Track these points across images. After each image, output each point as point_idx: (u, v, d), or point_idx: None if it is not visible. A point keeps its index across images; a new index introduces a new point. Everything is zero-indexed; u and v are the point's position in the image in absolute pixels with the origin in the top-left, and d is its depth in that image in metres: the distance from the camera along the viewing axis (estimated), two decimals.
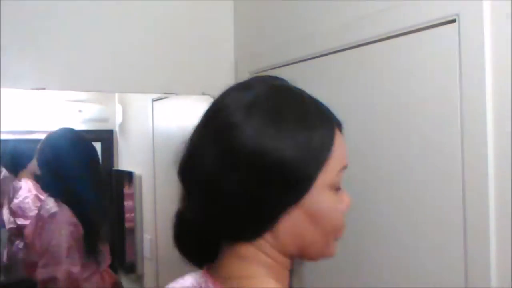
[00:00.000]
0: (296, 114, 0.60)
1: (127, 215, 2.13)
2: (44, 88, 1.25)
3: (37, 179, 1.85)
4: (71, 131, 1.74)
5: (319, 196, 0.60)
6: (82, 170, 1.70)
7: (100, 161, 1.94)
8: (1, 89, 1.21)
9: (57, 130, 1.70)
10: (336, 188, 0.62)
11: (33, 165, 1.75)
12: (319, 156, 0.59)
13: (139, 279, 2.08)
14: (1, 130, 1.63)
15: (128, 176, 2.08)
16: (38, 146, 1.68)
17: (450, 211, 0.86)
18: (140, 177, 2.04)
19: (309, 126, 0.60)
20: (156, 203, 1.93)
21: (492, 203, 0.79)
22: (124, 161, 2.18)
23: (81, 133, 1.80)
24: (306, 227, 0.61)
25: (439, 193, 0.89)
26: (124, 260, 2.15)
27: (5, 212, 1.87)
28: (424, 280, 0.90)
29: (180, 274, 0.73)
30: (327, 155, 0.60)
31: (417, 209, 0.93)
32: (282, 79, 0.69)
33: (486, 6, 0.80)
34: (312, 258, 0.65)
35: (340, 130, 0.65)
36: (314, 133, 0.60)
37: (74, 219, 1.61)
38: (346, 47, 1.08)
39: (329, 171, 0.60)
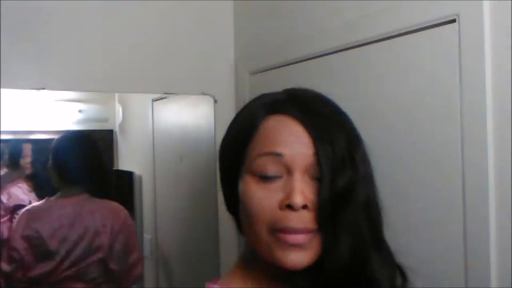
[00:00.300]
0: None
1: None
2: (44, 88, 1.25)
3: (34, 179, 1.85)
4: (84, 134, 1.75)
5: (242, 182, 0.61)
6: (89, 176, 1.70)
7: (106, 167, 1.94)
8: (1, 89, 1.21)
9: (71, 132, 1.72)
10: (260, 176, 0.59)
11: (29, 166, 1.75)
12: (237, 144, 0.63)
13: (139, 279, 2.07)
14: (1, 130, 1.63)
15: (128, 176, 2.07)
16: (52, 146, 1.69)
17: (450, 211, 0.86)
18: (140, 177, 2.03)
19: (234, 119, 0.67)
20: (156, 203, 1.93)
21: (492, 203, 0.79)
22: (124, 161, 2.18)
23: (94, 138, 1.81)
24: (244, 220, 0.63)
25: (439, 193, 0.89)
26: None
27: None
28: (424, 280, 0.90)
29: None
30: (243, 143, 0.62)
31: (417, 209, 0.93)
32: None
33: (486, 6, 0.80)
34: (265, 256, 0.60)
35: (282, 112, 0.61)
36: (232, 128, 0.66)
37: None
38: (346, 47, 1.08)
39: (249, 159, 0.61)
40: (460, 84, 0.83)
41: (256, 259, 0.64)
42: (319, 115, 0.61)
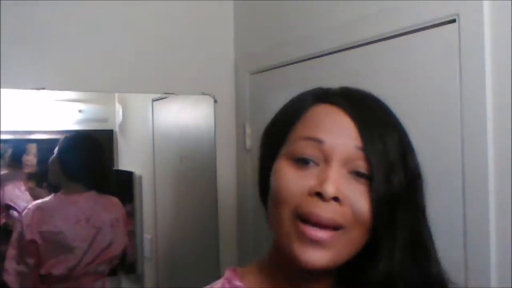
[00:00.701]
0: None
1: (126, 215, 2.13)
2: (44, 88, 1.25)
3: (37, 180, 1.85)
4: (89, 134, 1.77)
5: (277, 167, 0.58)
6: (93, 174, 1.72)
7: (111, 165, 1.95)
8: (1, 89, 1.21)
9: (80, 132, 1.73)
10: (296, 159, 0.55)
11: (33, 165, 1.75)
12: (280, 127, 0.61)
13: (139, 279, 2.07)
14: (1, 130, 1.63)
15: (128, 176, 2.07)
16: (58, 146, 1.70)
17: (450, 211, 0.86)
18: (140, 177, 2.03)
19: (283, 106, 0.64)
20: (156, 203, 1.93)
21: (492, 203, 0.79)
22: (124, 161, 2.18)
23: (98, 139, 1.82)
24: (270, 207, 0.58)
25: (439, 193, 0.89)
26: (124, 260, 2.14)
27: None
28: None
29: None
30: (287, 127, 0.59)
31: None
32: None
33: (486, 6, 0.80)
34: (284, 250, 0.55)
35: (331, 102, 0.59)
36: (279, 112, 0.64)
37: None
38: (346, 47, 1.07)
39: (289, 141, 0.58)
40: (460, 84, 0.83)
41: (278, 259, 0.61)
42: (371, 112, 0.58)
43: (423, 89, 0.91)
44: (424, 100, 0.91)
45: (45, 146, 1.78)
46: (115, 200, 1.77)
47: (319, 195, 0.52)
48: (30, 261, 1.53)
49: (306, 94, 0.63)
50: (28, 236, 1.51)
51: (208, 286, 0.63)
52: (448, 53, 0.85)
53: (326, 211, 0.52)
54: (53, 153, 1.70)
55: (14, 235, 1.54)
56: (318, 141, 0.55)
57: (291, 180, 0.55)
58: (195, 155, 1.68)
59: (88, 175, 1.70)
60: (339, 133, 0.55)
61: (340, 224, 0.53)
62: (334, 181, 0.53)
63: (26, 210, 1.57)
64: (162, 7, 1.42)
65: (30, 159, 1.79)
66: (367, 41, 1.02)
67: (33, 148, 1.78)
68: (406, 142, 0.59)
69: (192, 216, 1.69)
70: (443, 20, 0.86)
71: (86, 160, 1.72)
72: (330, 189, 0.52)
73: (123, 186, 2.12)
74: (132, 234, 1.97)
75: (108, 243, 1.66)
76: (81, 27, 1.30)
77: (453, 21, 0.84)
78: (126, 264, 2.09)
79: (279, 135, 0.60)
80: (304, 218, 0.53)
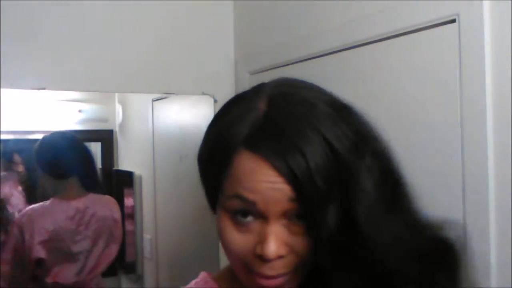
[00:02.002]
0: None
1: (126, 215, 2.13)
2: (44, 88, 1.25)
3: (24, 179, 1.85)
4: (64, 132, 1.76)
5: (218, 214, 0.58)
6: (80, 167, 1.72)
7: (95, 162, 1.94)
8: (1, 89, 1.21)
9: (52, 133, 1.73)
10: (233, 213, 0.55)
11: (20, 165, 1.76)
12: (212, 178, 0.59)
13: (139, 279, 2.07)
14: (1, 130, 1.63)
15: (128, 176, 2.07)
16: (34, 147, 1.70)
17: (450, 211, 0.86)
18: (140, 177, 2.03)
19: (211, 130, 0.61)
20: (156, 203, 1.93)
21: (492, 203, 0.79)
22: (124, 161, 2.18)
23: (74, 135, 1.82)
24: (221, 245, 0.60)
25: (439, 193, 0.89)
26: (124, 260, 2.14)
27: None
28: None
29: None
30: (219, 171, 0.56)
31: None
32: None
33: (486, 6, 0.80)
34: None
35: (255, 151, 0.53)
36: (209, 140, 0.60)
37: None
38: (346, 47, 1.07)
39: (223, 192, 0.56)
40: (460, 84, 0.83)
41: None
42: (299, 146, 0.52)
43: (423, 89, 0.91)
44: (424, 100, 0.91)
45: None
46: (111, 199, 1.77)
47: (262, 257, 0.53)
48: (29, 269, 1.52)
49: (231, 133, 0.56)
50: (30, 248, 1.50)
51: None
52: (448, 53, 0.85)
53: (271, 270, 0.54)
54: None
55: (11, 240, 1.52)
56: (250, 202, 0.53)
57: (235, 241, 0.55)
58: (195, 155, 1.68)
59: (76, 170, 1.69)
60: (269, 191, 0.53)
61: (289, 271, 0.55)
62: (274, 240, 0.53)
63: (25, 216, 1.56)
64: (162, 7, 1.42)
65: (19, 159, 1.80)
66: (367, 41, 1.02)
67: (25, 148, 1.78)
68: (336, 146, 0.54)
69: (192, 216, 1.69)
70: (443, 20, 0.86)
71: (69, 156, 1.71)
72: (270, 252, 0.52)
73: (123, 186, 2.12)
74: (132, 233, 1.98)
75: (108, 245, 1.66)
76: (81, 27, 1.30)
77: (453, 21, 0.84)
78: (126, 264, 2.09)
79: (212, 179, 0.59)
80: (255, 273, 0.55)
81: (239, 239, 0.55)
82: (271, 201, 0.53)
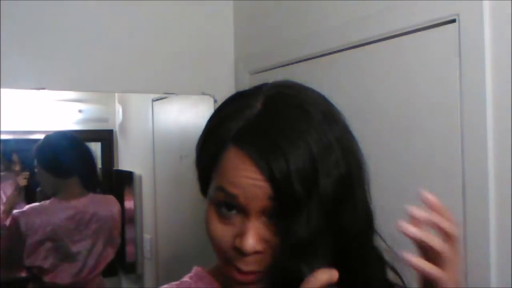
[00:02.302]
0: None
1: (127, 215, 2.13)
2: (44, 88, 1.25)
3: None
4: (66, 132, 1.76)
5: (207, 207, 0.61)
6: (81, 166, 1.72)
7: (96, 162, 1.94)
8: (1, 89, 1.21)
9: (54, 133, 1.72)
10: (218, 205, 0.58)
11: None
12: (204, 168, 0.62)
13: (139, 279, 2.07)
14: (1, 130, 1.63)
15: (128, 176, 2.07)
16: (36, 147, 1.69)
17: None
18: (140, 177, 2.03)
19: (208, 127, 0.64)
20: (156, 203, 1.93)
21: (492, 203, 0.79)
22: (124, 161, 2.18)
23: (76, 135, 1.81)
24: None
25: (439, 193, 0.88)
26: (124, 260, 2.14)
27: None
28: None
29: (180, 274, 0.74)
30: (209, 166, 0.61)
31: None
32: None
33: (486, 6, 0.80)
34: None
35: (241, 148, 0.56)
36: (205, 136, 0.63)
37: None
38: (346, 47, 1.08)
39: (212, 185, 0.60)
40: (460, 84, 0.83)
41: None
42: (284, 150, 0.55)
43: (423, 89, 0.91)
44: (424, 100, 0.91)
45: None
46: (112, 198, 1.77)
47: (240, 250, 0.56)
48: (20, 261, 1.52)
49: (224, 128, 0.59)
50: (29, 246, 1.50)
51: (175, 283, 0.70)
52: (448, 53, 0.85)
53: (246, 264, 0.56)
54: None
55: (6, 232, 1.52)
56: (232, 196, 0.57)
57: (217, 231, 0.59)
58: (195, 155, 1.68)
59: (77, 170, 1.69)
60: (250, 187, 0.55)
61: (260, 270, 0.57)
62: (253, 235, 0.55)
63: (21, 212, 1.55)
64: (162, 7, 1.42)
65: (17, 159, 1.80)
66: (367, 41, 1.02)
67: (24, 147, 1.78)
68: (317, 156, 0.55)
69: (192, 216, 1.69)
70: (443, 20, 0.86)
71: (71, 156, 1.71)
72: (248, 246, 0.55)
73: (123, 186, 2.12)
74: (132, 233, 1.98)
75: (108, 245, 1.66)
76: (81, 27, 1.30)
77: (453, 21, 0.84)
78: (126, 264, 2.10)
79: (204, 171, 0.63)
80: (233, 266, 0.58)
81: (221, 230, 0.58)
82: (252, 196, 0.55)
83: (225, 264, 0.60)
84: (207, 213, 0.60)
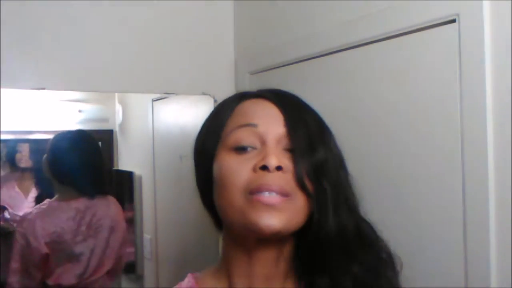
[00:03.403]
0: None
1: (126, 215, 2.13)
2: (44, 88, 1.25)
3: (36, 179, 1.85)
4: (80, 133, 1.75)
5: (218, 161, 0.64)
6: (82, 175, 1.71)
7: (101, 165, 1.94)
8: (1, 89, 1.21)
9: (67, 132, 1.72)
10: (235, 149, 0.62)
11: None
12: (213, 132, 0.67)
13: (139, 279, 2.07)
14: (1, 130, 1.63)
15: (128, 176, 2.07)
16: (47, 145, 1.69)
17: (450, 211, 0.86)
18: (140, 177, 2.03)
19: (208, 117, 0.71)
20: (156, 203, 1.93)
21: (492, 203, 0.79)
22: (124, 161, 2.18)
23: (90, 136, 1.81)
24: (217, 193, 0.64)
25: (439, 193, 0.89)
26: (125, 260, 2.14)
27: None
28: (423, 280, 0.90)
29: (180, 274, 0.74)
30: (219, 128, 0.66)
31: (417, 209, 0.93)
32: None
33: (486, 6, 0.80)
34: (237, 226, 0.62)
35: (256, 95, 0.67)
36: (208, 120, 0.71)
37: None
38: (346, 47, 1.07)
39: (224, 137, 0.64)
40: (460, 84, 0.83)
41: (230, 253, 0.67)
42: (290, 100, 0.67)
43: (423, 89, 0.91)
44: (424, 100, 0.91)
45: (43, 146, 1.78)
46: (112, 199, 1.77)
47: (264, 168, 0.59)
48: (38, 274, 1.52)
49: (229, 99, 0.70)
50: (37, 250, 1.50)
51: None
52: (448, 53, 0.85)
53: (273, 180, 0.59)
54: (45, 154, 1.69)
55: (17, 248, 1.52)
56: (252, 126, 0.62)
57: (235, 164, 0.61)
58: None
59: (80, 179, 1.68)
60: (268, 117, 0.63)
61: (287, 191, 0.60)
62: (274, 155, 0.60)
63: (26, 222, 1.55)
64: (162, 7, 1.42)
65: (24, 158, 1.80)
66: (367, 41, 1.02)
67: (25, 148, 1.78)
68: (323, 126, 0.67)
69: (192, 216, 1.69)
70: (443, 20, 0.86)
71: (79, 163, 1.70)
72: (273, 161, 0.59)
73: (123, 186, 2.12)
74: (132, 233, 1.98)
75: (110, 245, 1.65)
76: (81, 27, 1.30)
77: (453, 21, 0.84)
78: (126, 264, 2.09)
79: (212, 138, 0.66)
80: (254, 192, 0.59)
81: (240, 164, 0.61)
82: (270, 125, 0.62)
83: (244, 200, 0.60)
84: (220, 160, 0.63)
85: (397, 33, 0.95)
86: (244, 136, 0.61)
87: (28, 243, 1.51)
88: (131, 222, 2.11)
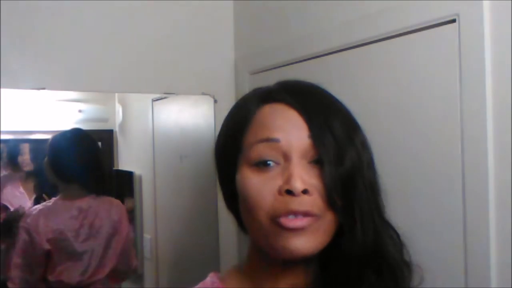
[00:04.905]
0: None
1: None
2: (44, 88, 1.25)
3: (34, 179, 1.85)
4: (78, 132, 1.75)
5: (240, 176, 0.60)
6: (84, 173, 1.71)
7: (102, 164, 1.94)
8: (1, 89, 1.21)
9: (66, 131, 1.72)
10: (255, 164, 0.58)
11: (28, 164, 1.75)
12: (232, 137, 0.62)
13: (139, 279, 2.07)
14: (1, 130, 1.63)
15: (128, 176, 2.07)
16: (47, 145, 1.69)
17: (450, 211, 0.86)
18: (140, 177, 2.03)
19: (228, 114, 0.66)
20: (156, 203, 1.92)
21: (492, 203, 0.79)
22: (124, 161, 2.18)
23: (89, 135, 1.80)
24: (242, 210, 0.61)
25: (439, 193, 0.89)
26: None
27: None
28: (424, 280, 0.90)
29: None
30: (239, 136, 0.61)
31: (417, 209, 0.93)
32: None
33: (486, 6, 0.80)
34: (264, 248, 0.59)
35: (275, 100, 0.61)
36: (227, 123, 0.66)
37: None
38: (346, 47, 1.07)
39: (245, 149, 0.60)
40: (460, 84, 0.83)
41: (257, 261, 0.64)
42: (313, 101, 0.61)
43: (423, 89, 0.91)
44: (424, 100, 0.91)
45: (43, 146, 1.78)
46: (116, 201, 1.77)
47: (289, 192, 0.55)
48: (39, 270, 1.52)
49: (249, 99, 0.64)
50: (40, 246, 1.50)
51: None
52: (448, 53, 0.85)
53: (300, 205, 0.56)
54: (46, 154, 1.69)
55: (19, 243, 1.52)
56: (274, 141, 0.57)
57: (258, 184, 0.57)
58: (195, 155, 1.68)
59: (82, 176, 1.68)
60: (290, 129, 0.58)
61: (315, 213, 0.56)
62: (299, 176, 0.56)
63: (30, 217, 1.56)
64: (162, 7, 1.42)
65: (25, 159, 1.79)
66: (367, 41, 1.02)
67: (26, 148, 1.77)
68: (351, 124, 0.63)
69: (192, 216, 1.69)
70: (443, 20, 0.86)
71: (79, 160, 1.70)
72: (298, 185, 0.55)
73: (123, 186, 2.12)
74: (133, 234, 1.98)
75: (112, 246, 1.65)
76: (81, 27, 1.30)
77: (453, 21, 0.84)
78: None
79: (232, 145, 0.62)
80: (280, 216, 0.56)
81: (264, 184, 0.57)
82: (293, 138, 0.57)
83: (271, 224, 0.57)
84: (242, 177, 0.59)
85: (397, 33, 0.95)
86: (266, 151, 0.57)
87: (31, 239, 1.51)
88: (131, 222, 2.11)
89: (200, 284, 0.67)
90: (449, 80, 0.85)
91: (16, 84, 1.22)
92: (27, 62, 1.23)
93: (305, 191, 0.56)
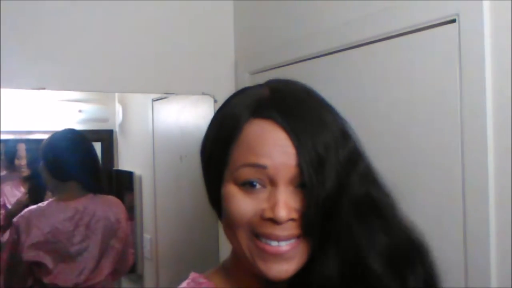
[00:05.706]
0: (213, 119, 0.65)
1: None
2: (44, 88, 1.25)
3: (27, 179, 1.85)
4: (72, 131, 1.74)
5: (224, 189, 0.60)
6: (81, 170, 1.70)
7: (100, 162, 1.93)
8: (1, 89, 1.21)
9: (59, 131, 1.71)
10: (242, 184, 0.57)
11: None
12: (220, 146, 0.61)
13: (139, 279, 2.07)
14: (1, 130, 1.63)
15: (128, 176, 2.07)
16: (41, 147, 1.68)
17: (450, 211, 0.86)
18: (140, 177, 2.03)
19: (216, 117, 0.64)
20: (156, 203, 1.93)
21: (492, 203, 0.79)
22: (124, 161, 2.18)
23: (82, 134, 1.80)
24: (225, 222, 0.62)
25: (439, 193, 0.89)
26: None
27: None
28: None
29: (180, 274, 0.73)
30: (227, 146, 0.59)
31: (417, 209, 0.93)
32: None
33: (486, 6, 0.80)
34: (247, 263, 0.59)
35: (264, 117, 0.58)
36: (215, 129, 0.63)
37: None
38: (346, 47, 1.07)
39: (231, 165, 0.59)
40: (460, 84, 0.83)
41: (239, 262, 0.63)
42: (303, 117, 0.58)
43: (423, 89, 0.91)
44: (424, 100, 0.91)
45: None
46: (115, 200, 1.76)
47: (273, 220, 0.55)
48: (23, 270, 1.51)
49: (237, 107, 0.61)
50: (24, 251, 1.49)
51: None
52: (448, 53, 0.85)
53: (283, 230, 0.56)
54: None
55: (9, 240, 1.52)
56: (261, 167, 0.56)
57: (243, 205, 0.57)
58: (195, 155, 1.67)
59: (78, 174, 1.68)
60: (279, 156, 0.56)
61: (297, 234, 0.57)
62: (284, 204, 0.55)
63: (22, 218, 1.54)
64: (162, 7, 1.42)
65: (23, 159, 1.79)
66: (367, 41, 1.02)
67: (22, 148, 1.77)
68: (340, 136, 0.60)
69: (192, 216, 1.69)
70: (443, 20, 0.86)
71: (73, 159, 1.70)
72: (282, 215, 0.55)
73: (123, 186, 2.12)
74: (132, 233, 1.98)
75: (110, 246, 1.64)
76: (81, 27, 1.30)
77: (453, 21, 0.84)
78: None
79: (219, 158, 0.61)
80: (261, 236, 0.56)
81: (248, 203, 0.57)
82: (281, 165, 0.56)
83: (251, 242, 0.57)
84: (228, 194, 0.59)
85: (397, 33, 0.95)
86: (252, 175, 0.56)
87: (18, 239, 1.50)
88: (131, 222, 2.11)
89: (184, 284, 0.67)
90: (449, 79, 0.85)
91: (16, 84, 1.22)
92: (27, 62, 1.23)
93: (291, 219, 0.56)
